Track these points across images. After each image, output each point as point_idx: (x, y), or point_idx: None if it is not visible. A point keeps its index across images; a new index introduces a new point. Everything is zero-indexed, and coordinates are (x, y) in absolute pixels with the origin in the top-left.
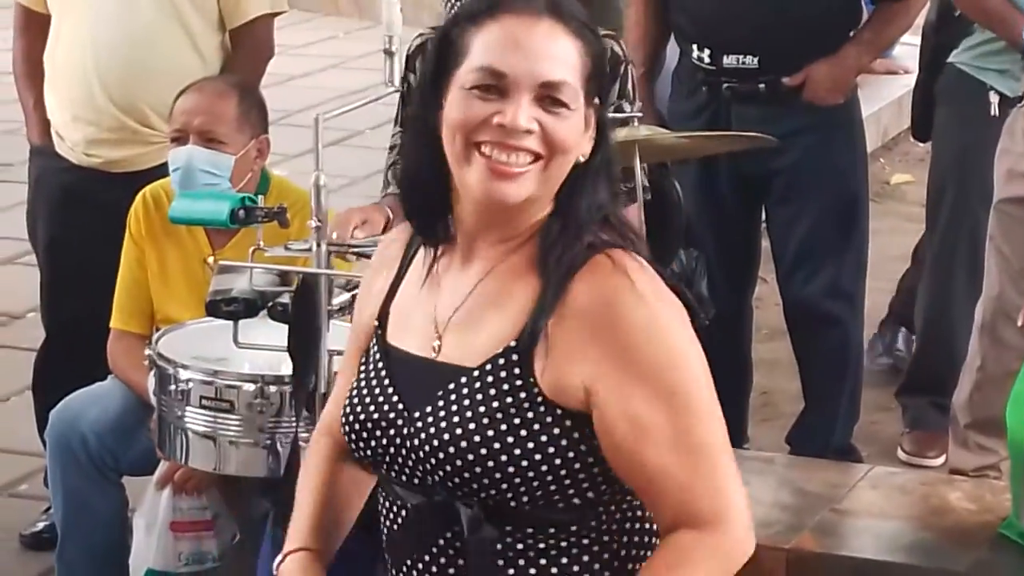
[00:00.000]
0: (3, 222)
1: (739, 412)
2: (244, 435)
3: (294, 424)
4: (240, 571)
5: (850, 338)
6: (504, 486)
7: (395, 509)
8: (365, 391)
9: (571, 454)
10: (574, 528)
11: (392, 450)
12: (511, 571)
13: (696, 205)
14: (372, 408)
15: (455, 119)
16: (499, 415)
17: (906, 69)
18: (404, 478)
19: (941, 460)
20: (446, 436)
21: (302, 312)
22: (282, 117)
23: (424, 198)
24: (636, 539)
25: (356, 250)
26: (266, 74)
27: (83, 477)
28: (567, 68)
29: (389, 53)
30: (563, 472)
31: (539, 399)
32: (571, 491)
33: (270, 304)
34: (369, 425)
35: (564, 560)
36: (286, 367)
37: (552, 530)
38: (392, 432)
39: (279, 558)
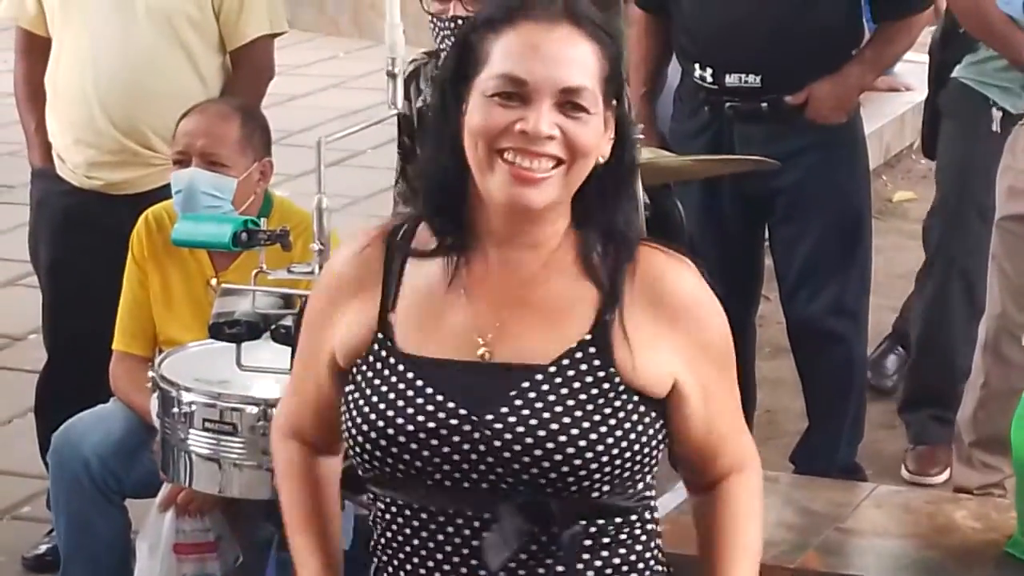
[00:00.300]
0: (4, 244)
1: None
2: (247, 458)
3: None
4: None
5: (854, 356)
6: (592, 476)
7: (440, 522)
8: (399, 402)
9: (645, 439)
10: (634, 518)
11: (456, 457)
12: (596, 564)
13: (699, 224)
14: (420, 418)
15: (477, 126)
16: (588, 406)
17: (908, 86)
18: (467, 484)
19: (944, 476)
20: (539, 433)
21: None
22: (283, 137)
23: (445, 203)
24: (657, 537)
25: None
26: (267, 94)
27: (86, 500)
28: (586, 73)
29: (392, 75)
30: (639, 458)
31: (620, 387)
32: (639, 478)
33: (273, 326)
34: (420, 436)
35: (623, 551)
36: None
37: (619, 520)
38: (456, 439)
39: None
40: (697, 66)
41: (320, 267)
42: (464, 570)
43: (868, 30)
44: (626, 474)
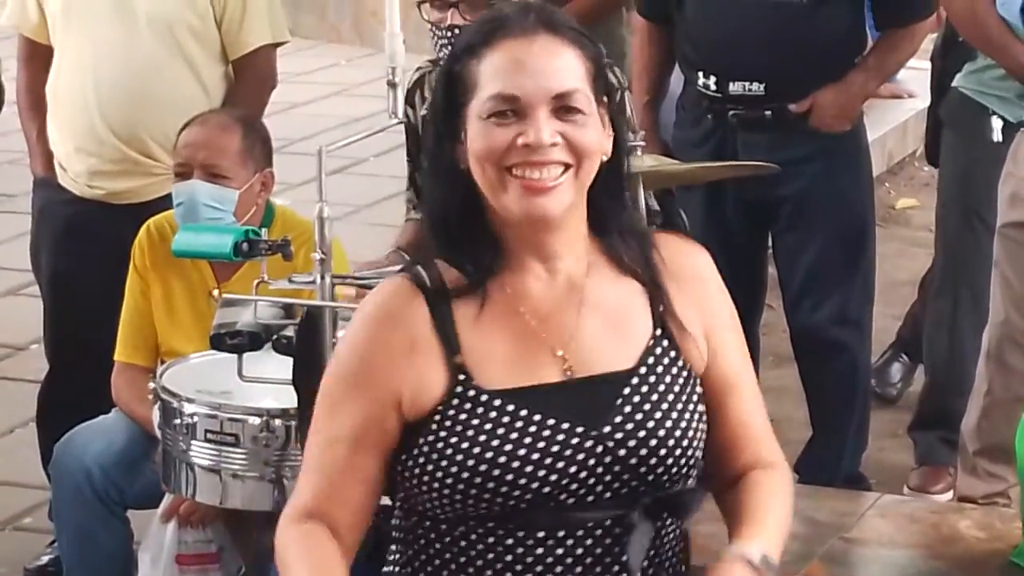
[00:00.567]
0: (6, 253)
1: None
2: (249, 469)
3: (300, 458)
4: None
5: (858, 365)
6: (689, 463)
7: (569, 545)
8: (511, 435)
9: (705, 418)
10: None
11: (583, 475)
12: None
13: (702, 232)
14: (541, 444)
15: (481, 150)
16: (683, 397)
17: (911, 93)
18: (592, 498)
19: (947, 496)
20: (659, 433)
21: (307, 345)
22: (284, 145)
23: (460, 234)
24: None
25: (361, 283)
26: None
27: (88, 511)
28: (573, 76)
29: (392, 85)
30: (703, 439)
31: (692, 375)
32: (698, 460)
33: (274, 337)
34: (547, 461)
35: (674, 542)
36: (291, 400)
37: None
38: (581, 457)
39: None
40: (700, 74)
41: (322, 277)
42: None
43: (871, 38)
44: (700, 456)
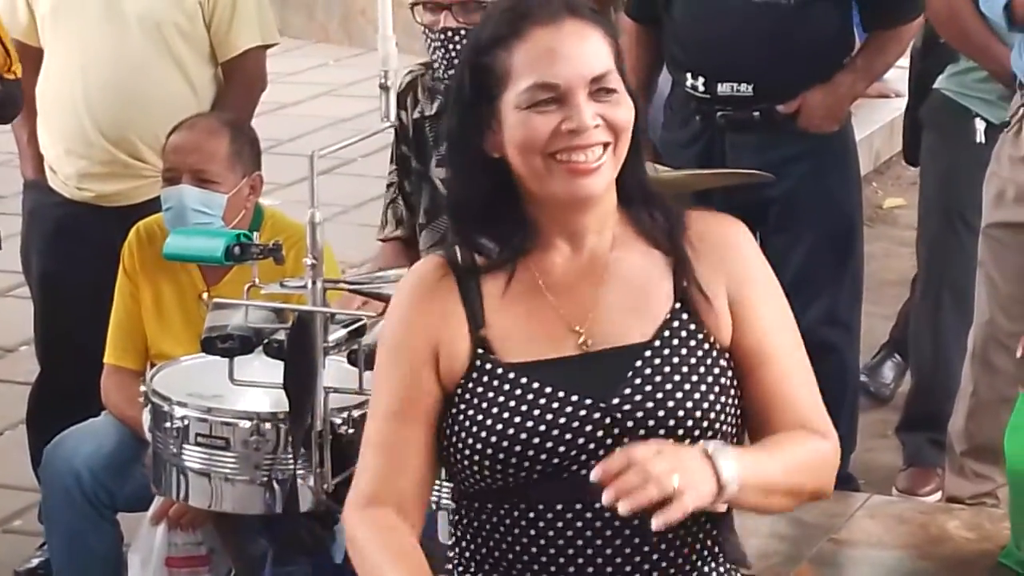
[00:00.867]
0: None
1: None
2: (240, 472)
3: (291, 461)
4: None
5: (847, 366)
6: (704, 435)
7: (586, 517)
8: (523, 407)
9: (735, 390)
10: None
11: (592, 446)
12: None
13: None
14: (549, 417)
15: (524, 140)
16: (698, 370)
17: (898, 92)
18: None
19: (935, 497)
20: (668, 405)
21: (298, 349)
22: (273, 146)
23: (488, 218)
24: None
25: (353, 287)
26: None
27: (78, 513)
28: (604, 57)
29: (384, 88)
30: (734, 410)
31: (717, 347)
32: (732, 433)
33: (265, 341)
34: (554, 434)
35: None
36: (281, 404)
37: None
38: (590, 428)
39: None
40: (689, 75)
41: (313, 282)
42: (608, 552)
43: (859, 39)
44: (731, 428)
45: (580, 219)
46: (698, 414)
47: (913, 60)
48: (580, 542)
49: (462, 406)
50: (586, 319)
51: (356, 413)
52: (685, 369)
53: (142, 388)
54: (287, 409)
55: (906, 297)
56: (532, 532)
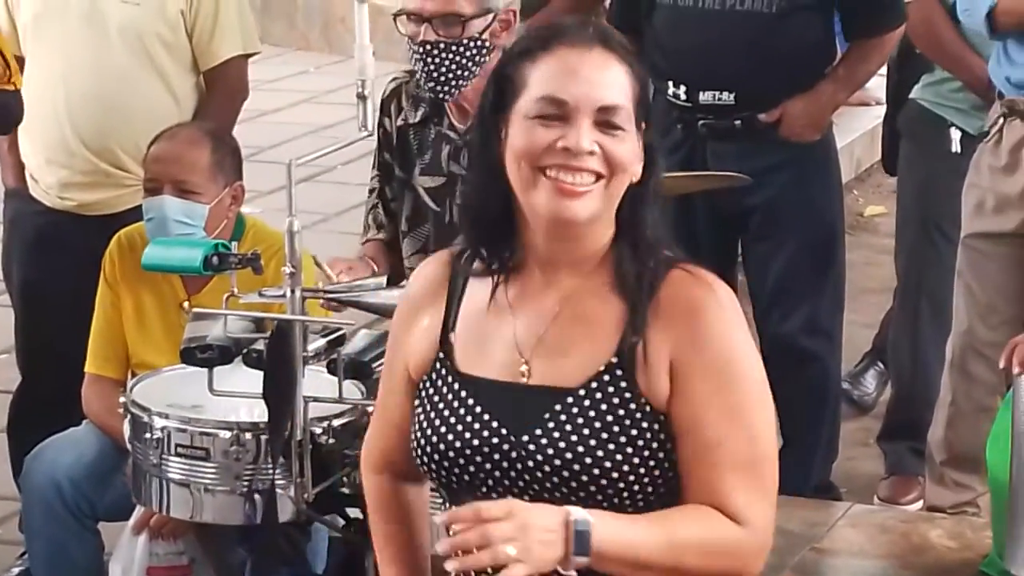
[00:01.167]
0: None
1: None
2: (220, 483)
3: (271, 471)
4: None
5: (829, 375)
6: (621, 494)
7: None
8: (451, 420)
9: (665, 456)
10: None
11: (498, 474)
12: None
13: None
14: (468, 435)
15: (520, 147)
16: (614, 428)
17: (878, 100)
18: (510, 497)
19: (917, 506)
20: (566, 455)
21: (277, 358)
22: (254, 153)
23: (491, 228)
24: None
25: (332, 296)
26: None
27: (59, 523)
28: (621, 92)
29: (362, 97)
30: (664, 472)
31: (646, 408)
32: (667, 489)
33: (245, 351)
34: (467, 452)
35: None
36: (261, 414)
37: None
38: (497, 456)
39: None
40: (671, 84)
41: (292, 291)
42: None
43: (840, 48)
44: (651, 488)
45: (558, 248)
46: (597, 471)
47: (890, 70)
48: None
49: (417, 401)
50: (532, 350)
51: (336, 423)
52: (599, 424)
53: (121, 399)
54: (267, 419)
55: (888, 305)
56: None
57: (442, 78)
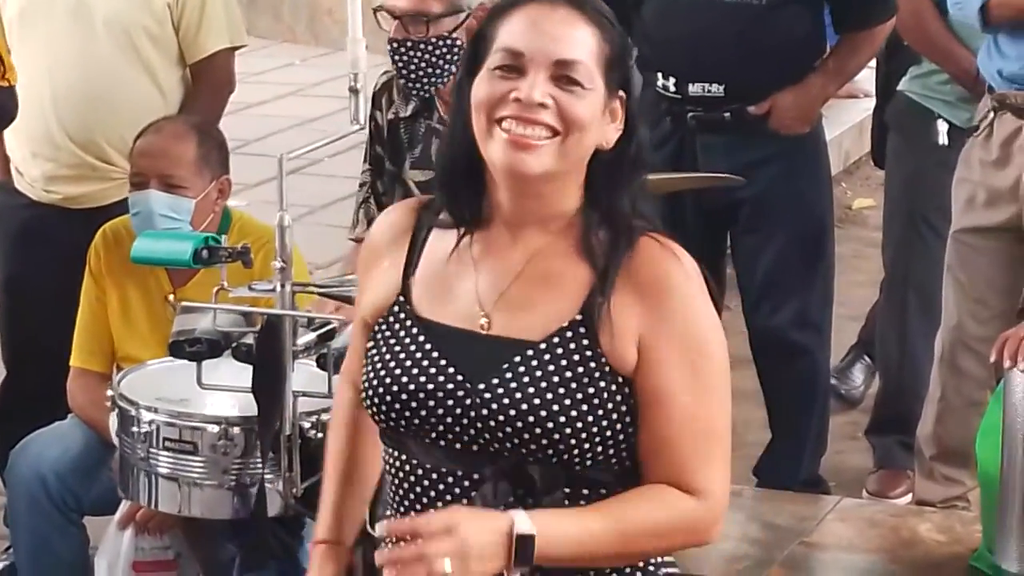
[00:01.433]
0: None
1: None
2: (208, 477)
3: (259, 466)
4: None
5: (818, 368)
6: (572, 450)
7: (434, 479)
8: (407, 362)
9: (628, 419)
10: (618, 491)
11: (449, 420)
12: None
13: None
14: (423, 379)
15: (478, 97)
16: (572, 384)
17: (866, 93)
18: (459, 446)
19: (906, 500)
20: (522, 406)
21: (266, 352)
22: (240, 146)
23: (459, 183)
24: None
25: (322, 291)
26: None
27: (44, 517)
28: (582, 49)
29: (354, 91)
30: (621, 436)
31: (606, 368)
32: (623, 454)
33: (234, 344)
34: (421, 395)
35: None
36: (250, 408)
37: (603, 491)
38: (451, 402)
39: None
40: (660, 75)
41: (282, 285)
42: None
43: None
44: (609, 450)
45: (521, 203)
46: (551, 425)
47: (878, 63)
48: (439, 503)
49: (372, 343)
50: (493, 303)
51: (325, 417)
52: (557, 379)
53: (109, 392)
54: (256, 413)
55: (875, 299)
56: (399, 475)
57: (412, 75)
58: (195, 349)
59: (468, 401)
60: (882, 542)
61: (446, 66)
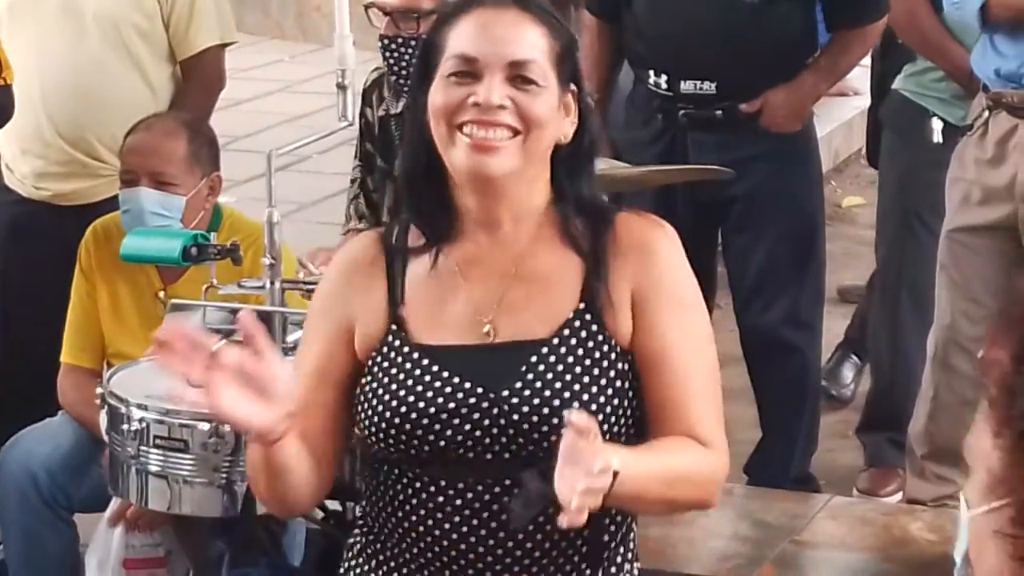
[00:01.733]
0: None
1: None
2: (198, 475)
3: None
4: None
5: (809, 366)
6: (602, 436)
7: (466, 498)
8: (417, 388)
9: (633, 393)
10: None
11: (478, 433)
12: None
13: None
14: (440, 400)
15: (436, 105)
16: (594, 371)
17: (856, 91)
18: (490, 456)
19: (896, 498)
20: (553, 403)
21: None
22: (229, 142)
23: (423, 194)
24: None
25: (311, 288)
26: None
27: (34, 514)
28: (534, 48)
29: (342, 87)
30: (632, 413)
31: (618, 349)
32: (632, 430)
33: (224, 342)
34: (442, 417)
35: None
36: None
37: None
38: (477, 416)
39: None
40: (652, 73)
41: (272, 282)
42: (483, 533)
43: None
44: (627, 429)
45: (489, 206)
46: (588, 408)
47: (873, 61)
48: (457, 519)
49: (369, 377)
50: (494, 310)
51: None
52: (579, 369)
53: (98, 390)
54: None
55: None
56: (418, 502)
57: (403, 72)
58: None
59: (495, 411)
60: (873, 540)
61: None
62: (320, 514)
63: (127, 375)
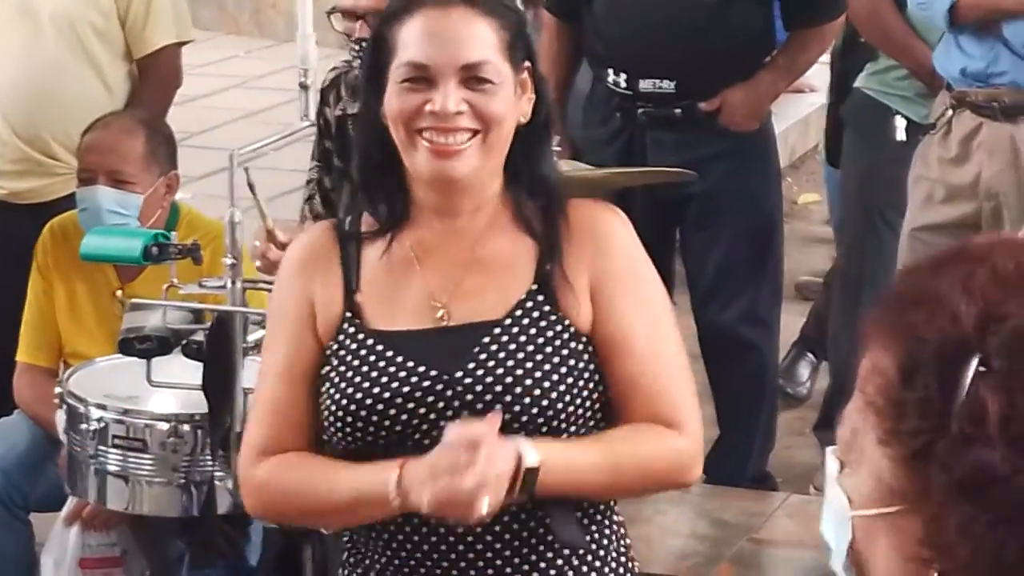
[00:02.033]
0: None
1: None
2: (157, 474)
3: (209, 463)
4: None
5: (766, 364)
6: (559, 415)
7: None
8: (373, 374)
9: (597, 377)
10: None
11: (433, 416)
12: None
13: None
14: (395, 385)
15: (394, 112)
16: (546, 349)
17: (812, 87)
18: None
19: None
20: (506, 381)
21: (217, 349)
22: (185, 138)
23: (377, 182)
24: None
25: (272, 287)
26: None
27: None
28: (485, 47)
29: (304, 87)
30: (596, 395)
31: (571, 329)
32: (599, 415)
33: (184, 342)
34: (397, 401)
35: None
36: (200, 405)
37: None
38: (431, 399)
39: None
40: (611, 71)
41: (232, 282)
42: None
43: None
44: (587, 412)
45: (450, 199)
46: (537, 392)
47: (833, 60)
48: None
49: (327, 366)
50: (448, 294)
51: None
52: (531, 348)
53: (57, 389)
54: (205, 411)
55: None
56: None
57: None
58: (145, 346)
59: (449, 392)
60: None
61: None
62: None
63: (86, 374)
